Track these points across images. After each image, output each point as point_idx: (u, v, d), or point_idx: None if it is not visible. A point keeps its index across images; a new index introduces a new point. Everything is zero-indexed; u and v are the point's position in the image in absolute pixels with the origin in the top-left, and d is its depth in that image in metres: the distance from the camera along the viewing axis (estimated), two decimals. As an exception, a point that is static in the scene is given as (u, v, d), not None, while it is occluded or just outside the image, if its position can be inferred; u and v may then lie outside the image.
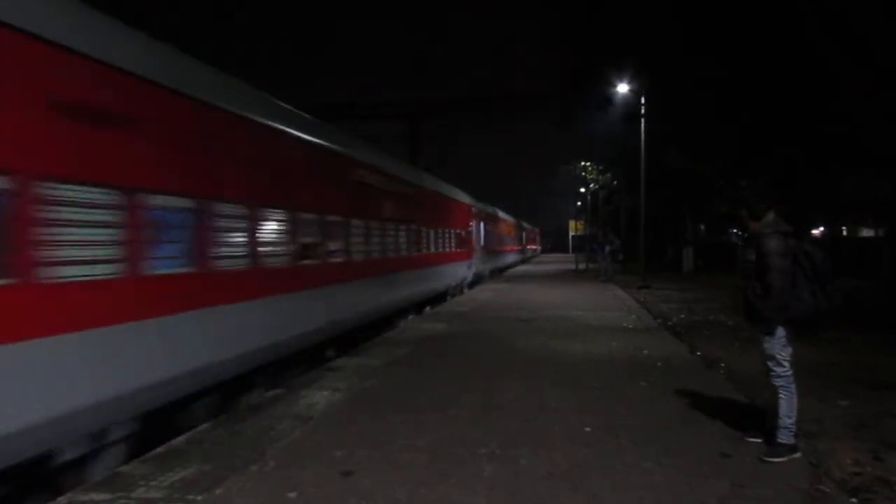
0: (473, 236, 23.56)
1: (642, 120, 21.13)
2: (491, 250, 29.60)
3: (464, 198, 22.78)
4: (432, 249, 16.57)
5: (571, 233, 72.42)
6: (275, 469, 4.84)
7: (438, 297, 17.95)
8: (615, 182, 38.11)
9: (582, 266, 37.31)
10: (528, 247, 61.86)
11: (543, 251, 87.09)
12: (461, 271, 21.16)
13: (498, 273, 32.61)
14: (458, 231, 20.58)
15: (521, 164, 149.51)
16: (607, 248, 27.64)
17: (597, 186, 42.69)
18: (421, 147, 47.00)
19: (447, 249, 18.57)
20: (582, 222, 56.45)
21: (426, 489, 4.41)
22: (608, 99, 22.57)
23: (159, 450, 5.36)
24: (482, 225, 26.30)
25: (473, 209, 24.09)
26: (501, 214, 35.98)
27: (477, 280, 24.90)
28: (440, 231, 17.61)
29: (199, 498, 4.30)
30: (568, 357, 9.28)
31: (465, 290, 21.96)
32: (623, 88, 21.71)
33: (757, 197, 5.27)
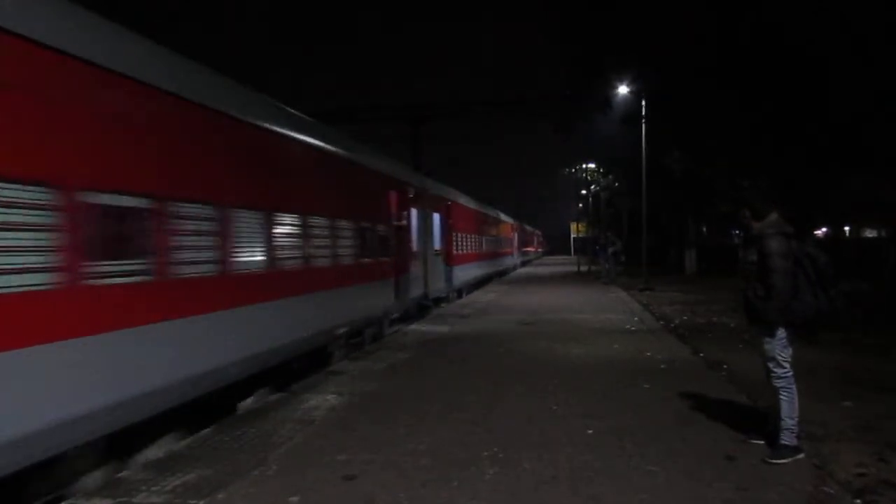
0: (414, 235, 14.60)
1: (643, 121, 21.11)
2: (461, 256, 21.09)
3: (391, 169, 13.57)
4: (249, 265, 7.01)
5: (573, 235, 72.50)
6: (277, 473, 4.83)
7: (311, 356, 8.80)
8: (616, 184, 38.08)
9: (584, 268, 37.29)
10: (527, 249, 61.00)
11: (546, 253, 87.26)
12: (371, 300, 11.38)
13: (482, 284, 26.05)
14: (369, 226, 11.24)
15: (524, 166, 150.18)
16: (609, 250, 27.62)
17: (598, 188, 42.67)
18: (422, 148, 47.05)
19: (316, 262, 8.89)
20: (584, 224, 56.47)
21: (428, 492, 4.39)
22: (608, 100, 22.57)
23: (160, 455, 5.35)
24: (439, 218, 17.64)
25: (413, 191, 14.73)
26: (480, 207, 27.42)
27: (435, 301, 16.93)
28: (294, 225, 8.23)
29: (201, 503, 4.29)
30: (570, 359, 9.27)
31: (387, 331, 12.56)
32: (624, 90, 21.70)
33: (760, 197, 5.26)
